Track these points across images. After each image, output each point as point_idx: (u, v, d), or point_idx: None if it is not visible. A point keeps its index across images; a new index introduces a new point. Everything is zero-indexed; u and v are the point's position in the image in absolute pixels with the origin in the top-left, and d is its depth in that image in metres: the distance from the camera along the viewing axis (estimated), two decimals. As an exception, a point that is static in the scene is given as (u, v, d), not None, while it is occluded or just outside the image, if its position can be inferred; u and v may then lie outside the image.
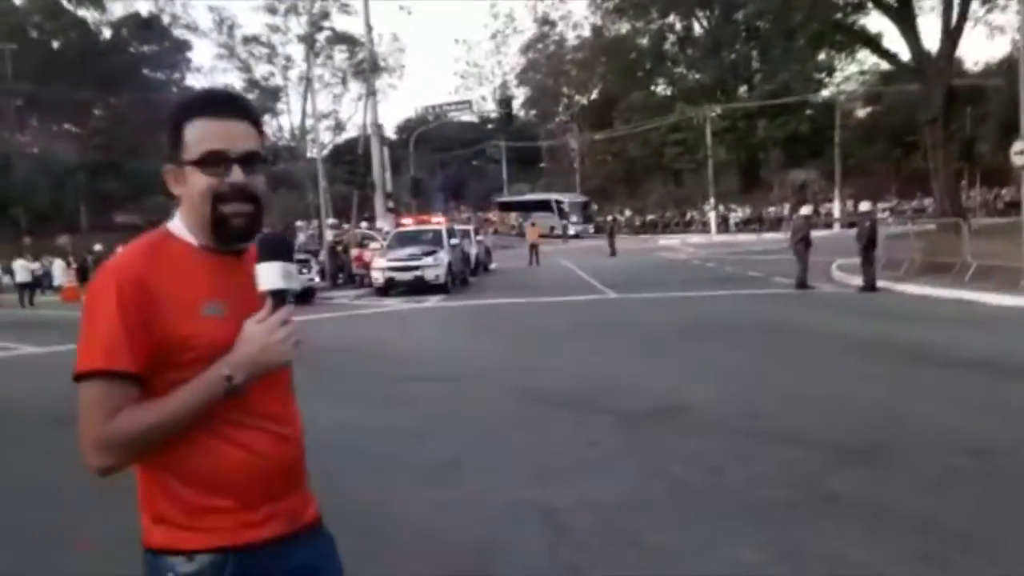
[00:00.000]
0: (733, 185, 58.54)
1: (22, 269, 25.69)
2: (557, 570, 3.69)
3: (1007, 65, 44.12)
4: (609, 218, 42.29)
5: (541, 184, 69.46)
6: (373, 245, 22.20)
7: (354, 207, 24.31)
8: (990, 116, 46.22)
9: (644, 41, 65.46)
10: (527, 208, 55.02)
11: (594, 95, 72.44)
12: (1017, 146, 14.03)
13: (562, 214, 52.22)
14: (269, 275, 1.47)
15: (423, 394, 7.81)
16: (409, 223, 23.33)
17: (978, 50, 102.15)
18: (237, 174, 1.47)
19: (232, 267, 1.51)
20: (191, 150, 1.48)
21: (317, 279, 19.95)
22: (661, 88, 68.28)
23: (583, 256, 32.17)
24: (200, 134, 1.47)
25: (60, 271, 27.51)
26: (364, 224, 25.45)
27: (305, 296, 17.55)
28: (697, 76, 64.36)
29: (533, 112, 77.22)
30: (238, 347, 1.43)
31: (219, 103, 1.51)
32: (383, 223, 26.52)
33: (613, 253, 32.01)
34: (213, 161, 1.46)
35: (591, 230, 52.18)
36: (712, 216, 48.04)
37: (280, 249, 1.50)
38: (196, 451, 1.44)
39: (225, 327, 1.44)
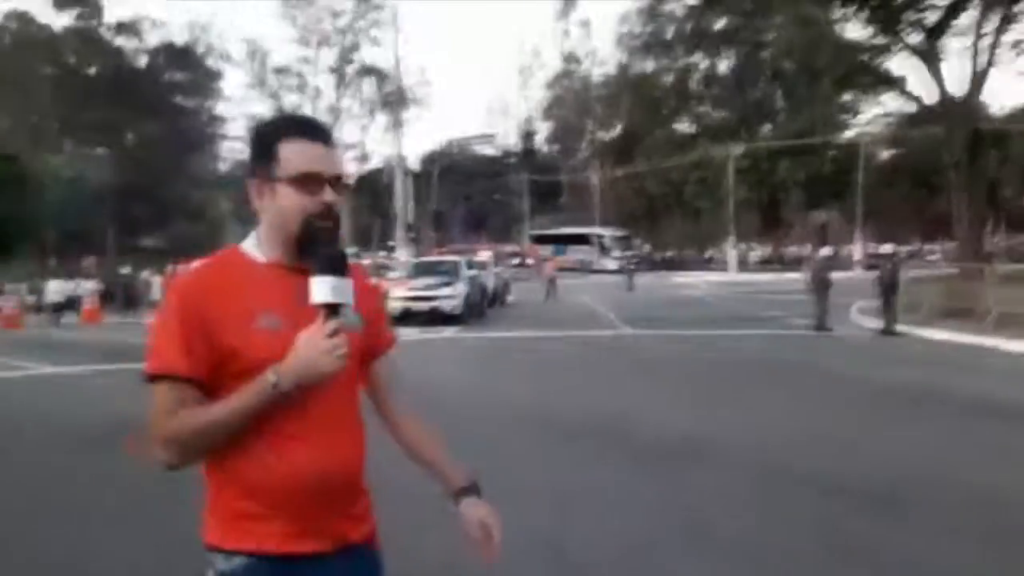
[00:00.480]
0: (753, 224, 58.52)
1: (56, 291, 26.05)
2: (565, 605, 3.69)
3: (1031, 111, 44.07)
4: (628, 253, 42.38)
5: (561, 219, 69.79)
6: (392, 275, 22.37)
7: (375, 236, 24.52)
8: (1013, 160, 46.03)
9: (669, 79, 66.06)
10: (564, 241, 54.28)
11: (617, 131, 72.97)
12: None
13: (603, 248, 51.49)
14: (322, 288, 1.53)
15: (440, 422, 7.83)
16: (445, 253, 23.41)
17: (1005, 94, 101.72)
18: (330, 194, 1.57)
19: (297, 284, 1.54)
20: (287, 168, 1.56)
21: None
22: (684, 126, 68.67)
23: (601, 291, 32.16)
24: (298, 154, 1.56)
25: (57, 292, 27.74)
26: (383, 253, 25.64)
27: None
28: (721, 114, 64.71)
29: (556, 147, 77.85)
30: (288, 355, 1.49)
31: (316, 128, 1.62)
32: (402, 253, 26.72)
33: (631, 288, 31.97)
34: (310, 181, 1.56)
35: (634, 267, 51.07)
36: (731, 254, 47.98)
37: (336, 264, 1.56)
38: (243, 456, 1.52)
39: (279, 340, 1.50)
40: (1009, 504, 5.02)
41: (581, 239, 52.81)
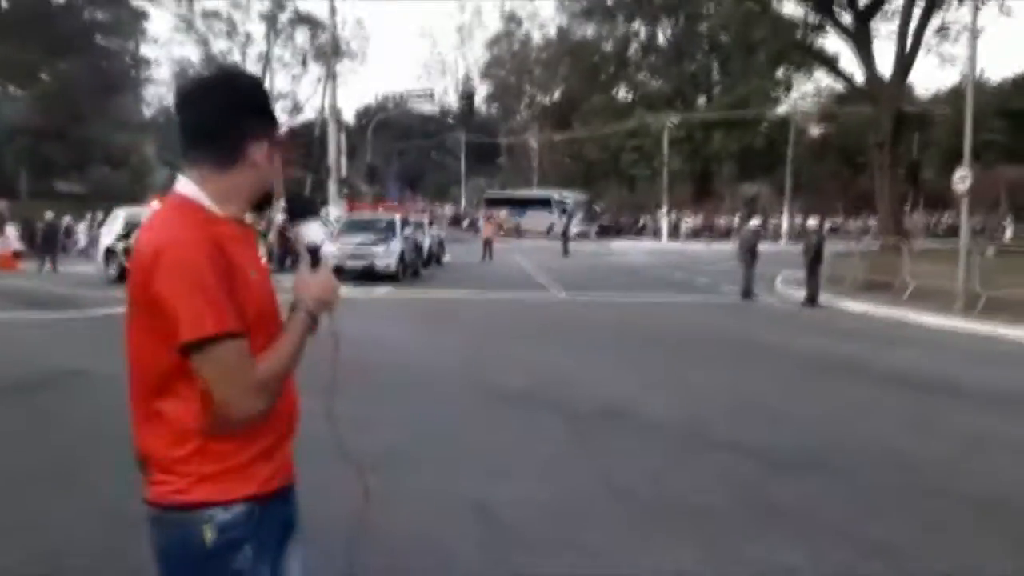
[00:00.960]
0: (686, 194, 59.42)
1: None
2: (489, 568, 3.66)
3: (955, 94, 45.81)
4: (564, 219, 42.48)
5: (499, 180, 69.51)
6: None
7: (307, 191, 23.89)
8: (935, 142, 47.93)
9: (608, 45, 66.04)
10: (521, 205, 52.02)
11: (556, 95, 72.75)
12: (959, 172, 14.50)
13: (564, 213, 48.54)
14: (316, 232, 1.72)
15: (366, 383, 7.71)
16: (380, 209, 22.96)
17: (928, 78, 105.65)
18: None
19: (248, 235, 1.67)
20: (279, 131, 1.68)
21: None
22: (622, 93, 68.94)
23: (536, 255, 32.23)
24: (279, 115, 1.63)
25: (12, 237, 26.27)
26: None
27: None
28: (658, 83, 65.22)
29: (495, 108, 77.18)
30: (308, 290, 1.70)
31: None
32: (336, 209, 26.15)
33: (566, 253, 32.15)
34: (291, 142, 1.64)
35: (595, 232, 48.99)
36: (664, 223, 48.70)
37: (314, 207, 1.77)
38: None
39: (264, 290, 1.65)
40: (922, 466, 5.23)
41: (541, 202, 50.58)
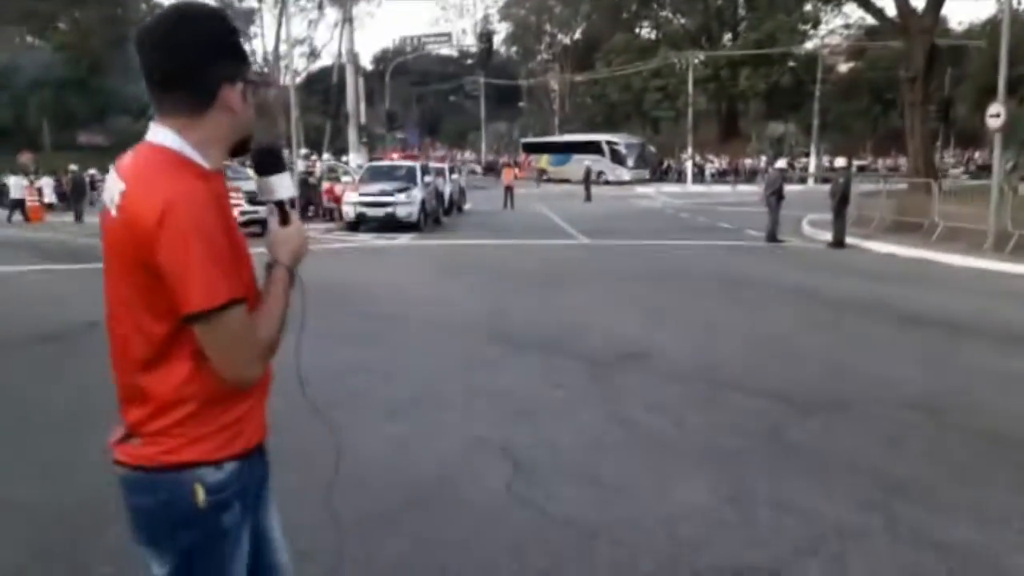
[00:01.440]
0: (711, 135, 58.48)
1: (16, 186, 24.89)
2: (513, 503, 3.79)
3: (990, 27, 44.19)
4: (586, 163, 42.04)
5: (519, 124, 68.72)
6: (345, 178, 21.89)
7: (326, 138, 23.85)
8: (969, 78, 46.38)
9: (631, -19, 64.30)
10: (564, 150, 49.77)
11: (577, 35, 71.29)
12: (993, 108, 14.12)
13: (616, 157, 46.60)
14: (285, 185, 1.66)
15: (391, 332, 7.84)
16: (394, 158, 22.86)
17: (963, 10, 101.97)
18: None
19: (221, 185, 1.58)
20: (252, 71, 1.59)
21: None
22: (646, 31, 67.37)
23: (558, 201, 32.05)
24: (248, 55, 1.61)
25: (17, 188, 26.55)
26: (328, 156, 25.01)
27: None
28: (682, 21, 63.61)
29: (514, 49, 75.88)
30: (283, 246, 1.64)
31: None
32: (355, 156, 26.11)
33: (588, 199, 31.93)
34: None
35: (647, 175, 47.15)
36: (689, 165, 48.03)
37: (283, 159, 1.69)
38: None
39: (245, 244, 1.59)
40: (945, 408, 5.26)
41: (589, 147, 47.88)
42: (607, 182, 44.34)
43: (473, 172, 54.42)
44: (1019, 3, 42.74)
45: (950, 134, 39.34)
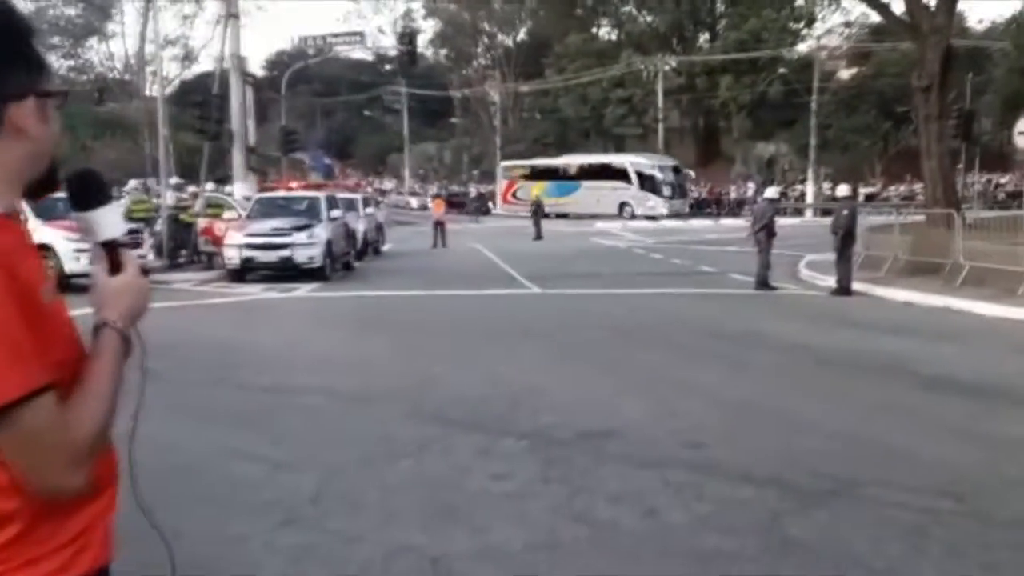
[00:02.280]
0: (688, 157, 59.94)
1: None
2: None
3: (1015, 24, 46.54)
4: (534, 193, 42.63)
5: (451, 144, 69.49)
6: (228, 215, 21.69)
7: (204, 163, 23.65)
8: (993, 86, 48.49)
9: (585, -30, 66.24)
10: (574, 176, 48.83)
11: (522, 35, 72.85)
12: (1022, 124, 14.81)
13: (648, 184, 45.51)
14: (111, 221, 1.61)
15: (285, 409, 7.71)
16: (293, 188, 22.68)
17: (982, 6, 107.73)
18: None
19: (23, 232, 1.50)
20: (52, 80, 1.51)
21: (151, 256, 19.38)
22: (604, 31, 69.26)
23: (501, 239, 32.29)
24: (48, 62, 1.53)
25: None
26: (211, 186, 24.81)
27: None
28: (649, 19, 65.60)
29: (444, 52, 77.10)
30: (113, 301, 1.59)
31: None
32: (242, 186, 25.94)
33: (539, 236, 32.27)
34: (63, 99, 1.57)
35: (687, 208, 46.54)
36: (661, 195, 49.02)
37: (106, 189, 1.63)
38: None
39: (59, 312, 1.51)
40: (977, 494, 5.38)
41: (606, 172, 46.87)
42: (634, 216, 44.09)
43: (401, 206, 54.55)
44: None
45: (974, 154, 41.03)
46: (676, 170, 48.05)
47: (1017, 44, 38.76)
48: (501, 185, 53.75)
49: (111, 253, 1.62)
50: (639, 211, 44.57)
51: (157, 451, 5.95)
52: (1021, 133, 14.87)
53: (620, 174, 46.50)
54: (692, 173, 51.12)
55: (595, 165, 49.00)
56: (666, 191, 45.48)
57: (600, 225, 42.22)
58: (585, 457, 6.17)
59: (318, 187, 28.53)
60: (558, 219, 44.46)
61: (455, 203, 49.14)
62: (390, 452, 6.36)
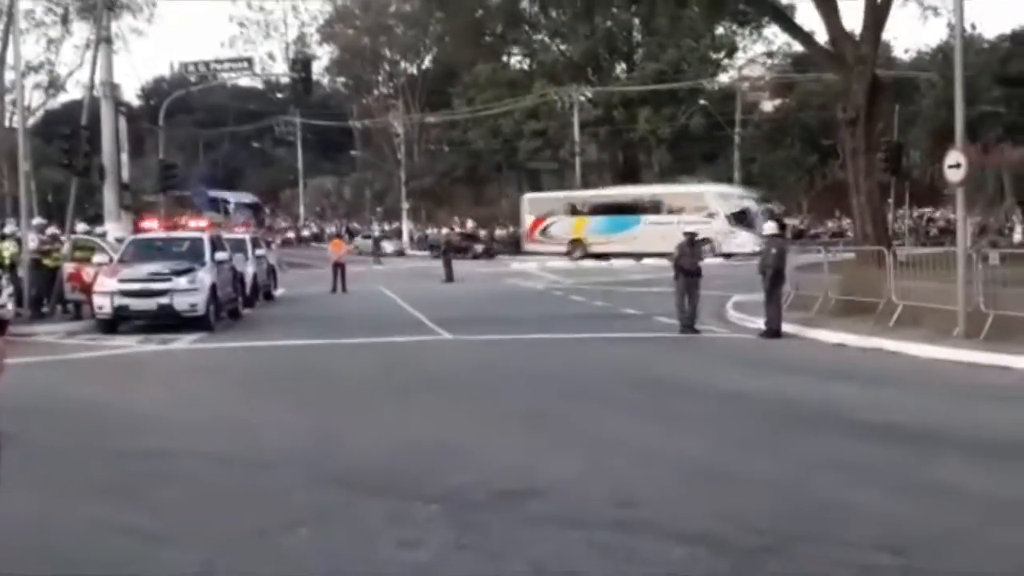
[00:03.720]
0: (607, 192, 60.75)
1: None
2: None
3: (941, 55, 48.71)
4: (444, 231, 42.72)
5: (352, 179, 69.26)
6: (99, 258, 21.12)
7: (71, 202, 23.08)
8: (921, 117, 50.54)
9: (494, -6, 67.15)
10: (640, 210, 46.08)
11: (427, 63, 73.31)
12: (951, 157, 15.38)
13: (740, 218, 43.05)
14: None
15: (165, 477, 7.45)
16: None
17: (909, 35, 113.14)
18: None
19: None
20: None
21: (10, 306, 18.72)
22: (516, 60, 70.16)
23: (408, 282, 32.17)
24: None
25: None
26: (82, 227, 24.23)
27: (-9, 330, 16.43)
28: (562, 47, 66.72)
29: (342, 80, 77.08)
30: None
31: None
32: (116, 227, 25.35)
33: (449, 279, 32.25)
34: None
35: (757, 246, 42.57)
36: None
37: None
38: None
39: None
40: (917, 547, 5.49)
41: (679, 205, 43.40)
42: (722, 255, 40.40)
43: (291, 242, 53.83)
44: (973, 27, 47.54)
45: (904, 188, 42.58)
46: (765, 202, 46.93)
47: (944, 75, 40.53)
48: (526, 221, 50.86)
49: None
50: (727, 248, 41.56)
51: (15, 529, 5.70)
52: (951, 167, 15.41)
53: (695, 207, 43.24)
54: (776, 209, 49.09)
55: (661, 195, 46.75)
56: (760, 225, 41.07)
57: (516, 266, 42.44)
58: (503, 520, 6.11)
59: (211, 226, 28.06)
60: (599, 259, 43.60)
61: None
62: (286, 520, 6.18)
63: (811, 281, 19.49)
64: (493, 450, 8.18)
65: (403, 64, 73.16)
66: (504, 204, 61.26)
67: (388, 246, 54.27)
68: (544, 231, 49.61)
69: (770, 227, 18.66)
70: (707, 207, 43.60)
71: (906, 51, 59.94)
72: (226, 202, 58.63)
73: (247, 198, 61.77)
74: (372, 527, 6.03)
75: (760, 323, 16.51)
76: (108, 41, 26.68)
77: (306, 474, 7.40)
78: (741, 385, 11.41)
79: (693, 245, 17.92)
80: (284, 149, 71.32)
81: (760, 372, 12.60)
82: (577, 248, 46.40)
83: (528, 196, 53.15)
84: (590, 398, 10.81)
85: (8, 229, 22.72)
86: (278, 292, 28.22)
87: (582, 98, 55.45)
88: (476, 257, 46.79)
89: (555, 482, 7.00)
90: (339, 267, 29.28)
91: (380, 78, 75.10)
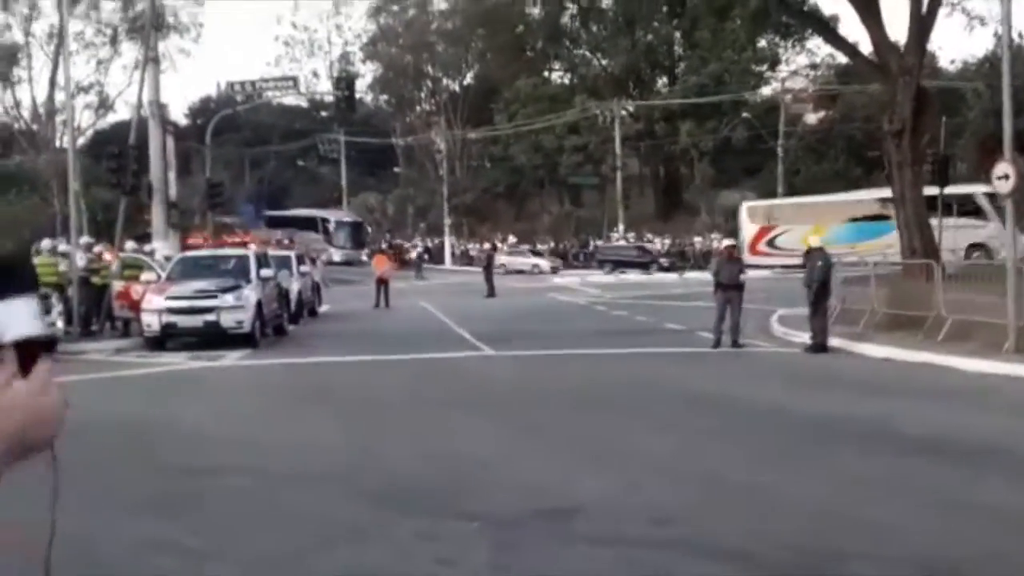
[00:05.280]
0: (649, 207, 60.57)
1: None
2: None
3: (988, 64, 48.09)
4: (486, 246, 42.75)
5: (394, 195, 69.65)
6: (147, 276, 21.42)
7: (120, 220, 23.43)
8: (967, 128, 49.93)
9: (535, 10, 67.37)
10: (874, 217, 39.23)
11: (468, 79, 73.61)
12: (1000, 168, 15.14)
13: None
14: (21, 316, 1.39)
15: (209, 493, 7.53)
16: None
17: (955, 44, 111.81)
18: None
19: None
20: None
21: (61, 324, 19.01)
22: (557, 75, 70.25)
23: (450, 297, 32.23)
24: None
25: None
26: (131, 245, 24.57)
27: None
28: (604, 61, 66.74)
29: (385, 98, 77.60)
30: (9, 420, 1.33)
31: None
32: (163, 245, 25.70)
33: (491, 293, 32.27)
34: None
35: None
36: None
37: (22, 276, 1.43)
38: None
39: None
40: (966, 571, 5.39)
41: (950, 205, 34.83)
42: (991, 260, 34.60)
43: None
44: (1021, 36, 46.78)
45: (951, 201, 41.73)
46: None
47: (991, 84, 39.97)
48: (748, 231, 46.00)
49: (24, 355, 1.39)
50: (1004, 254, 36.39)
51: (62, 544, 5.78)
52: (999, 178, 15.17)
53: (965, 208, 38.57)
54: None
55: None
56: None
57: (557, 280, 42.40)
58: (541, 538, 6.10)
59: (249, 243, 28.35)
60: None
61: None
62: (325, 539, 6.22)
63: (858, 295, 19.25)
64: (531, 467, 8.16)
65: (445, 81, 73.47)
66: (543, 220, 61.24)
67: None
68: (771, 242, 44.41)
69: (815, 240, 18.45)
70: (980, 207, 38.69)
71: (952, 62, 59.08)
72: (326, 221, 58.24)
73: (348, 216, 61.20)
74: (408, 545, 6.04)
75: (805, 337, 16.34)
76: (156, 61, 27.16)
77: (345, 491, 7.43)
78: (784, 400, 11.29)
79: (732, 258, 17.79)
80: (328, 167, 71.75)
81: (804, 387, 12.46)
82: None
83: (748, 204, 47.70)
84: (631, 415, 10.74)
85: (59, 247, 23.09)
86: (322, 308, 28.38)
87: (623, 112, 55.34)
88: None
89: (592, 500, 6.98)
90: (383, 283, 29.38)
91: (423, 95, 75.43)
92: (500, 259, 47.55)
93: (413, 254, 52.67)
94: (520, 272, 47.64)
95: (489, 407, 11.39)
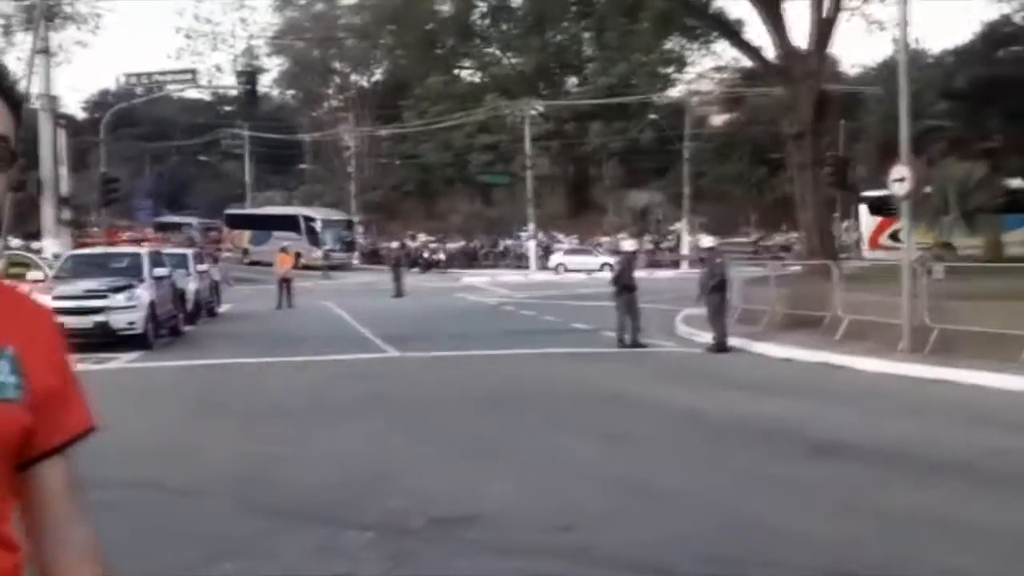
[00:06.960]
0: (559, 207, 60.95)
1: None
2: None
3: (887, 70, 49.49)
4: (395, 245, 42.35)
5: (301, 192, 68.75)
6: (33, 275, 20.64)
7: (4, 217, 22.56)
8: (867, 132, 51.40)
9: (446, 7, 67.22)
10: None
11: (378, 76, 73.13)
12: (896, 171, 15.49)
13: None
14: None
15: (93, 508, 7.16)
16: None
17: (855, 49, 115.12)
18: None
19: None
20: None
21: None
22: (467, 73, 70.25)
23: (356, 297, 31.89)
24: None
25: None
26: (18, 243, 23.72)
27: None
28: (514, 60, 66.95)
29: (292, 93, 76.60)
30: None
31: None
32: (53, 242, 24.85)
33: (399, 293, 32.00)
34: None
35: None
36: (531, 247, 49.53)
37: None
38: None
39: None
40: (860, 574, 5.39)
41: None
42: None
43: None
44: (918, 42, 48.28)
45: (850, 203, 42.75)
46: None
47: (890, 89, 41.06)
48: (868, 224, 42.48)
49: None
50: None
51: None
52: (895, 180, 15.52)
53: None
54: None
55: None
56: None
57: (467, 280, 42.30)
58: (439, 548, 5.97)
59: (150, 241, 27.62)
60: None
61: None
62: (212, 554, 5.95)
63: (758, 295, 19.57)
64: (432, 474, 8.01)
65: (354, 77, 72.90)
66: (453, 218, 61.10)
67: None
68: (894, 235, 41.28)
69: (707, 241, 18.71)
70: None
71: (853, 66, 60.72)
72: (310, 220, 51.47)
73: (336, 215, 55.11)
74: (300, 558, 5.83)
75: (709, 337, 16.51)
76: (46, 52, 26.19)
77: (236, 502, 7.17)
78: (686, 401, 11.36)
79: (628, 261, 18.14)
80: (232, 163, 70.47)
81: (705, 388, 12.57)
82: (945, 253, 34.49)
83: (869, 196, 41.57)
84: (536, 417, 10.70)
85: None
86: (222, 308, 27.79)
87: (533, 112, 55.43)
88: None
89: (495, 506, 6.86)
90: (285, 282, 28.86)
91: (331, 91, 74.76)
92: (557, 259, 46.66)
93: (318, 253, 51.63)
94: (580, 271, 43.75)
95: (390, 411, 11.19)
